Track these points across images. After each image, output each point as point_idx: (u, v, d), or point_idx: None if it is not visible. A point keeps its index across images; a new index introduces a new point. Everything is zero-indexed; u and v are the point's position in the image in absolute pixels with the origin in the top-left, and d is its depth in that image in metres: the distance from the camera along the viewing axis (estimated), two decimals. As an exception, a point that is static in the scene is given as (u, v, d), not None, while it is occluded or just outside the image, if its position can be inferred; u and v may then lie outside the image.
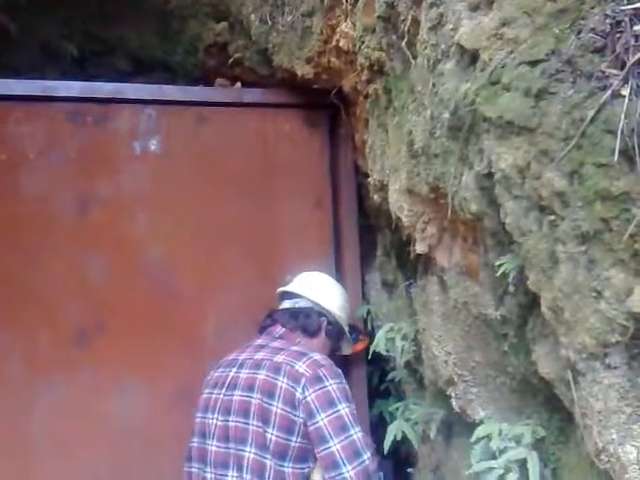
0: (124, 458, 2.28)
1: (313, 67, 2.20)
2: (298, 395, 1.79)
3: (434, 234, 1.74)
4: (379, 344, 2.09)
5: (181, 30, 2.70)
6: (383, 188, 2.00)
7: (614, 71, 1.07)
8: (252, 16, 2.40)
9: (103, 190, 2.39)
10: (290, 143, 2.52)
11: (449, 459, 1.96)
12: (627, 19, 1.08)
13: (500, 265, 1.39)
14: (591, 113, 1.07)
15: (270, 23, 2.32)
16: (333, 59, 2.10)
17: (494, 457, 1.51)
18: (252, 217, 2.48)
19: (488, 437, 1.55)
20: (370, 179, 2.12)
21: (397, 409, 2.18)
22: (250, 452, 1.80)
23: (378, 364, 2.43)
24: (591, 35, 1.12)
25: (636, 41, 1.05)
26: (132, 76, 2.74)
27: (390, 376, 2.34)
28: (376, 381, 2.55)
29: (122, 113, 2.42)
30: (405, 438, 2.04)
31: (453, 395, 1.81)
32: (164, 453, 2.28)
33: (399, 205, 1.83)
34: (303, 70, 2.24)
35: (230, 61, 2.59)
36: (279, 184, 2.51)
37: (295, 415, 1.79)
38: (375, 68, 1.82)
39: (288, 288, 2.17)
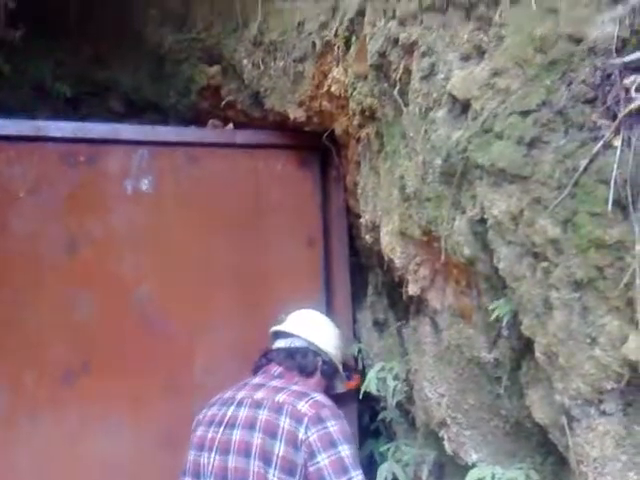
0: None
1: (305, 110, 2.24)
2: (300, 435, 1.77)
3: (426, 276, 1.76)
4: (370, 384, 2.09)
5: (174, 73, 2.74)
6: (375, 229, 2.02)
7: (605, 122, 1.11)
8: (245, 60, 2.44)
9: (93, 229, 2.38)
10: (282, 183, 2.53)
11: (441, 503, 1.95)
12: (617, 72, 1.12)
13: (493, 309, 1.41)
14: (584, 163, 1.11)
15: (262, 67, 2.36)
16: (325, 103, 2.14)
17: (488, 501, 1.50)
18: (243, 256, 2.48)
19: (482, 481, 1.54)
20: (362, 220, 2.14)
21: (388, 450, 2.16)
22: None
23: (369, 403, 2.42)
24: (582, 86, 1.15)
25: (626, 94, 1.09)
26: (125, 117, 2.77)
27: (381, 416, 2.33)
28: (367, 420, 2.53)
29: (114, 153, 2.43)
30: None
31: (446, 437, 1.80)
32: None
33: (391, 247, 1.84)
34: (295, 113, 2.27)
35: (223, 103, 2.62)
36: (271, 223, 2.52)
37: (297, 456, 1.76)
38: (367, 114, 1.85)
39: (282, 327, 2.16)
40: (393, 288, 2.09)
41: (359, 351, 2.46)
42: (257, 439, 1.80)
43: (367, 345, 2.43)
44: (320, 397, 1.88)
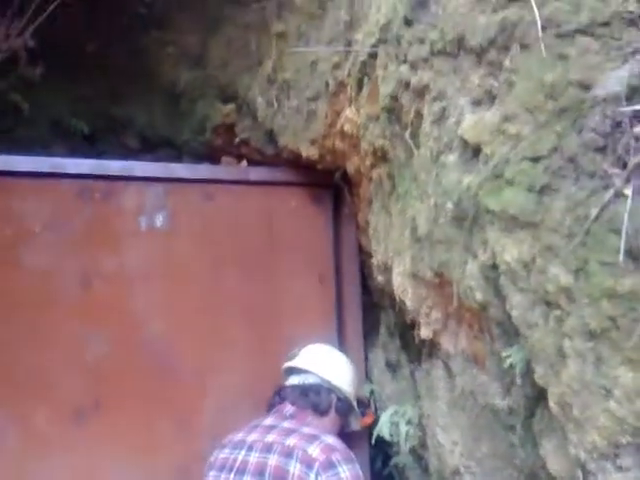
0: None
1: (318, 149, 2.24)
2: None
3: (439, 319, 1.73)
4: (383, 428, 2.05)
5: (189, 110, 2.77)
6: (387, 270, 2.00)
7: (616, 171, 1.09)
8: (259, 99, 2.47)
9: (107, 265, 2.39)
10: (294, 220, 2.54)
11: None
12: (627, 120, 1.10)
13: (507, 356, 1.38)
14: (594, 211, 1.09)
15: (276, 106, 2.38)
16: (337, 142, 2.15)
17: None
18: (256, 293, 2.48)
19: (496, 533, 1.50)
20: (374, 260, 2.13)
21: (401, 496, 2.11)
22: None
23: (382, 448, 2.37)
24: (592, 134, 1.14)
25: (637, 142, 1.07)
26: (140, 153, 2.80)
27: (394, 461, 2.28)
28: (379, 465, 2.48)
29: (129, 190, 2.46)
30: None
31: (459, 486, 1.75)
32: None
33: (403, 289, 1.82)
34: (308, 151, 2.28)
35: (237, 141, 2.64)
36: (283, 260, 2.52)
37: None
38: (379, 154, 1.85)
39: (295, 363, 2.13)
40: (406, 329, 2.06)
41: (371, 392, 2.43)
42: None
43: (379, 386, 2.40)
44: (332, 440, 1.84)
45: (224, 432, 2.12)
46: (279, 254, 2.50)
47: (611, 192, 1.07)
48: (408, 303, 1.81)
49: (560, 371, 1.21)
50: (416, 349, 2.01)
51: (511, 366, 1.38)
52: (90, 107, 2.80)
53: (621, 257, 1.04)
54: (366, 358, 2.54)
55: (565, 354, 1.19)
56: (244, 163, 2.64)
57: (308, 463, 1.76)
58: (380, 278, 2.10)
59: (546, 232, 1.18)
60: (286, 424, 1.93)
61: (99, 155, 2.62)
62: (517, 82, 1.29)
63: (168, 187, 2.48)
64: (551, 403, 1.25)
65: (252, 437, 1.92)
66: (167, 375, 2.35)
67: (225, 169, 2.64)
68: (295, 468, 1.75)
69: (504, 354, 1.38)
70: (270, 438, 1.87)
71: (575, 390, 1.17)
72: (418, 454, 2.06)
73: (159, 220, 2.46)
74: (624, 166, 1.08)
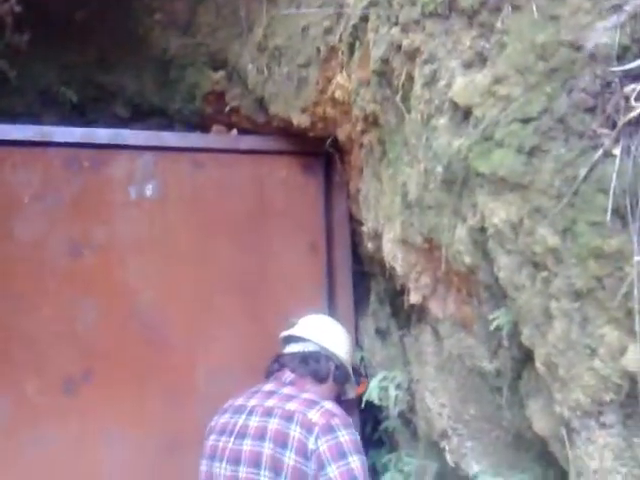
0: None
1: (309, 116, 2.23)
2: (310, 445, 1.75)
3: (428, 284, 1.74)
4: (372, 393, 2.07)
5: (179, 78, 2.75)
6: (377, 237, 2.01)
7: (605, 131, 1.09)
8: (249, 66, 2.44)
9: (97, 235, 2.38)
10: (285, 189, 2.53)
11: (443, 514, 1.93)
12: (617, 80, 1.10)
13: (494, 319, 1.39)
14: (583, 172, 1.09)
15: (267, 73, 2.36)
16: (329, 109, 2.13)
17: (489, 514, 1.48)
18: (246, 262, 2.48)
19: (483, 493, 1.53)
20: (364, 227, 2.13)
21: (390, 460, 2.14)
22: None
23: (371, 413, 2.40)
24: (582, 95, 1.14)
25: (626, 102, 1.07)
26: (130, 122, 2.77)
27: (383, 425, 2.31)
28: (369, 430, 2.51)
29: (119, 159, 2.44)
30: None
31: (447, 448, 1.78)
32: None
33: (393, 255, 1.83)
34: (299, 119, 2.27)
35: (227, 109, 2.62)
36: (274, 229, 2.51)
37: (307, 466, 1.74)
38: (370, 120, 1.84)
39: (295, 332, 2.14)
40: (395, 296, 2.07)
41: (361, 359, 2.45)
42: (267, 449, 1.79)
43: (369, 353, 2.42)
44: (331, 406, 1.86)
45: (215, 400, 2.13)
46: (270, 223, 2.50)
47: (600, 152, 1.08)
48: (398, 269, 1.82)
49: (546, 332, 1.22)
50: (405, 315, 2.03)
51: (498, 328, 1.40)
52: (79, 75, 2.77)
53: (608, 217, 1.05)
54: (356, 326, 2.56)
55: (551, 315, 1.20)
56: (234, 132, 2.62)
57: (308, 427, 1.77)
58: (370, 245, 2.11)
59: (535, 193, 1.19)
60: (286, 390, 1.95)
61: (88, 124, 2.59)
62: (508, 43, 1.29)
63: (158, 156, 2.46)
64: (537, 364, 1.27)
65: (252, 402, 1.94)
66: (158, 344, 2.36)
67: (215, 137, 2.62)
68: (295, 431, 1.77)
69: (491, 317, 1.40)
70: (270, 403, 1.89)
71: (561, 350, 1.19)
72: (407, 418, 2.09)
73: (149, 189, 2.45)
74: (613, 126, 1.08)
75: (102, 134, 2.43)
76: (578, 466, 1.20)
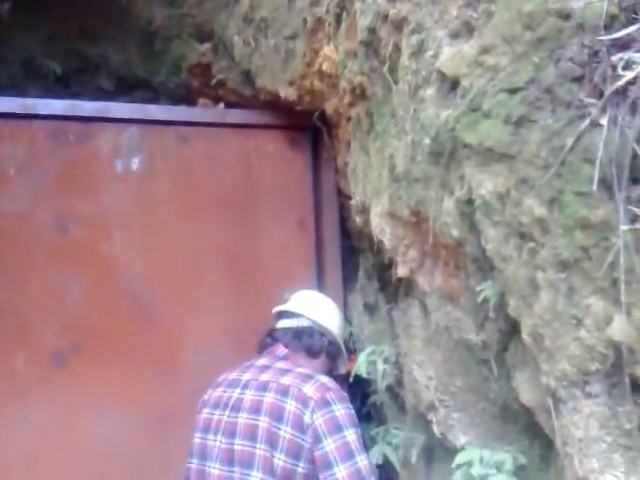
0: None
1: (296, 89, 2.21)
2: (306, 419, 1.76)
3: (415, 258, 1.74)
4: (360, 367, 2.07)
5: (165, 50, 2.71)
6: (365, 211, 2.00)
7: (592, 100, 1.09)
8: (235, 38, 2.41)
9: (84, 209, 2.36)
10: (273, 164, 2.51)
11: (430, 484, 1.95)
12: (604, 49, 1.09)
13: (481, 291, 1.39)
14: (570, 141, 1.08)
15: (253, 45, 2.32)
16: (316, 82, 2.11)
17: (475, 484, 1.49)
18: (234, 237, 2.47)
19: (469, 463, 1.54)
20: (352, 201, 2.12)
21: (378, 433, 2.16)
22: (257, 477, 1.76)
23: (360, 387, 2.41)
24: (569, 64, 1.13)
25: (613, 71, 1.06)
26: (115, 95, 2.73)
27: (372, 399, 2.32)
28: (358, 404, 2.52)
29: (105, 132, 2.41)
30: (384, 463, 2.02)
31: (434, 420, 1.79)
32: (140, 477, 2.23)
33: (381, 228, 1.82)
34: (286, 92, 2.24)
35: (213, 82, 2.59)
36: (261, 204, 2.50)
37: (303, 440, 1.76)
38: (357, 92, 1.83)
39: (288, 307, 2.14)
40: (383, 271, 2.07)
41: (350, 334, 2.45)
42: (263, 422, 1.79)
43: (358, 328, 2.43)
44: (326, 379, 1.88)
45: (204, 374, 2.14)
46: (257, 197, 2.49)
47: (587, 122, 1.07)
48: (386, 243, 1.82)
49: (533, 302, 1.22)
50: (393, 290, 2.03)
51: (485, 300, 1.40)
52: (62, 46, 2.72)
53: (595, 187, 1.04)
54: (345, 302, 2.56)
55: (538, 285, 1.20)
56: (221, 105, 2.59)
57: (303, 401, 1.78)
58: (359, 219, 2.10)
59: (522, 164, 1.18)
60: (280, 364, 1.95)
61: (73, 97, 2.55)
62: (495, 13, 1.27)
63: (144, 129, 2.43)
64: (524, 335, 1.28)
65: (246, 376, 1.94)
66: (146, 319, 2.36)
67: (202, 111, 2.59)
68: (291, 405, 1.78)
69: (478, 288, 1.40)
70: (265, 377, 1.89)
71: (547, 320, 1.19)
72: (395, 392, 2.10)
73: (135, 163, 2.43)
74: (600, 95, 1.07)
75: (87, 107, 2.40)
76: (564, 435, 1.22)
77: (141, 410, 2.29)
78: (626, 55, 1.02)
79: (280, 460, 1.75)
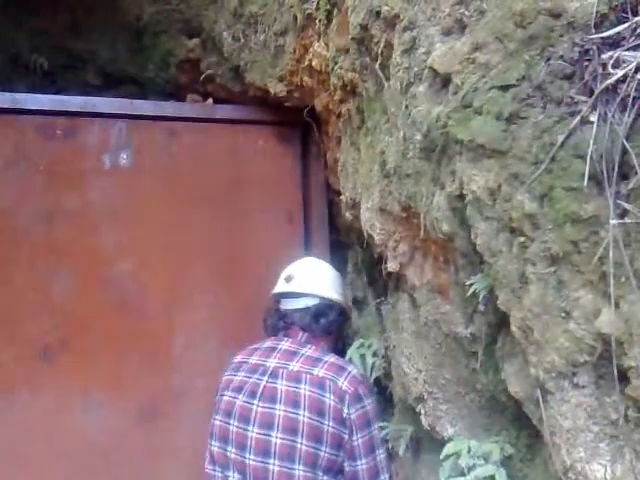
0: (88, 476, 2.23)
1: (285, 85, 2.22)
2: (344, 414, 1.84)
3: (405, 252, 1.76)
4: (350, 360, 2.09)
5: (153, 45, 2.70)
6: (355, 206, 2.02)
7: (583, 98, 1.11)
8: (225, 33, 2.41)
9: (71, 203, 2.36)
10: (262, 159, 2.52)
11: (418, 476, 1.96)
12: (595, 47, 1.12)
13: (470, 285, 1.41)
14: (561, 138, 1.11)
15: (243, 41, 2.33)
16: (306, 78, 2.12)
17: (463, 474, 1.51)
18: (223, 232, 2.48)
19: (457, 454, 1.56)
20: (342, 197, 2.13)
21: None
22: (299, 469, 1.81)
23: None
24: (560, 62, 1.15)
25: (604, 69, 1.09)
26: (102, 90, 2.73)
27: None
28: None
29: (92, 127, 2.41)
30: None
31: (422, 412, 1.81)
32: (129, 471, 2.24)
33: (371, 223, 1.84)
34: (275, 88, 2.25)
35: (202, 77, 2.59)
36: (251, 200, 2.51)
37: (344, 432, 1.84)
38: (348, 88, 1.84)
39: (295, 288, 2.09)
40: (372, 266, 2.09)
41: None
42: (304, 417, 1.82)
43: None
44: (355, 371, 1.95)
45: (191, 367, 2.16)
46: (246, 193, 2.50)
47: (577, 119, 1.09)
48: (376, 238, 1.83)
49: (522, 296, 1.25)
50: (382, 284, 2.05)
51: (475, 294, 1.42)
52: (50, 42, 2.71)
53: (585, 182, 1.07)
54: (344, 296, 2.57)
55: (527, 279, 1.23)
56: (210, 101, 2.59)
57: (340, 395, 1.85)
58: (348, 215, 2.11)
59: (513, 160, 1.20)
60: (307, 351, 1.96)
61: (59, 92, 2.54)
62: (487, 10, 1.29)
63: (132, 124, 2.43)
64: (513, 327, 1.30)
65: (272, 362, 1.94)
66: (134, 313, 2.36)
67: (190, 106, 2.59)
68: (330, 399, 1.84)
69: (468, 282, 1.42)
70: (295, 366, 1.91)
71: (536, 313, 1.21)
72: (383, 385, 2.12)
73: (123, 158, 2.43)
74: (590, 93, 1.09)
75: (75, 102, 2.39)
76: (552, 426, 1.24)
77: (129, 403, 2.29)
78: (616, 53, 1.04)
79: (325, 453, 1.82)
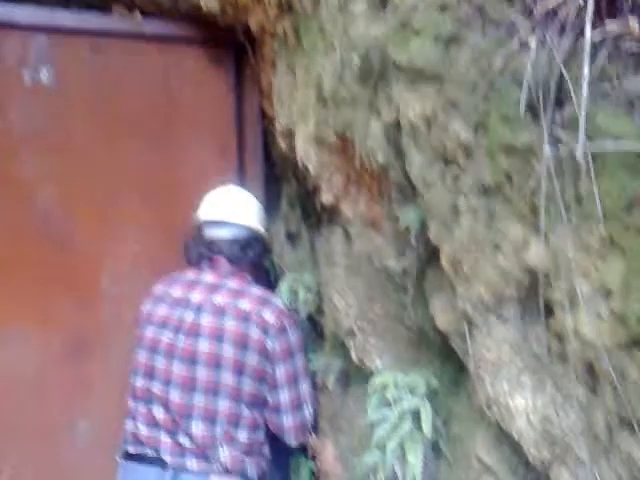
0: (12, 410, 2.15)
1: (218, 1, 2.07)
2: (268, 346, 1.82)
3: (340, 184, 1.71)
4: (282, 296, 2.06)
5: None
6: (290, 135, 1.93)
7: (522, 20, 1.05)
8: (155, -60, 2.23)
9: (-13, 123, 2.19)
10: (194, 82, 2.37)
11: (346, 408, 1.98)
12: (538, -32, 1.05)
13: (403, 217, 1.38)
14: (499, 62, 1.05)
15: (174, -51, 2.16)
16: (240, -7, 1.99)
17: (389, 407, 1.52)
18: (152, 161, 2.34)
19: (384, 387, 1.56)
20: (277, 125, 2.04)
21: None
22: (223, 405, 1.80)
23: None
24: (502, -18, 1.09)
25: (545, -9, 1.03)
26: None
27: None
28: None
29: (9, 39, 2.21)
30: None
31: (352, 346, 1.81)
32: (53, 404, 2.17)
33: (306, 153, 1.77)
34: (207, 3, 2.10)
35: (129, -12, 2.39)
36: (181, 126, 2.37)
37: (266, 365, 1.83)
38: (284, 5, 1.73)
39: (222, 217, 2.00)
40: (307, 199, 2.03)
41: (272, 264, 2.42)
42: (227, 352, 1.79)
43: (279, 258, 2.39)
44: (280, 303, 1.92)
45: (120, 301, 2.08)
46: (177, 118, 2.35)
47: (516, 42, 1.04)
48: (311, 169, 1.77)
49: (453, 228, 1.22)
50: (316, 217, 2.00)
51: (407, 228, 1.39)
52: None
53: (522, 110, 1.02)
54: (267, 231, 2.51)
55: (459, 211, 1.19)
56: (137, 14, 2.40)
57: (264, 328, 1.82)
58: (283, 145, 2.03)
59: (450, 86, 1.15)
60: (231, 284, 1.90)
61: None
62: None
63: (53, 38, 2.24)
64: (443, 261, 1.27)
65: (196, 296, 1.87)
66: (59, 244, 2.23)
67: (116, 20, 2.37)
68: (254, 333, 1.81)
69: (400, 215, 1.38)
70: (219, 299, 1.85)
71: (466, 246, 1.19)
72: (315, 320, 2.10)
73: (44, 75, 2.25)
74: (530, 15, 1.04)
75: (-12, 11, 2.18)
76: (477, 359, 1.24)
77: (56, 337, 2.19)
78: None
79: (247, 386, 1.80)
